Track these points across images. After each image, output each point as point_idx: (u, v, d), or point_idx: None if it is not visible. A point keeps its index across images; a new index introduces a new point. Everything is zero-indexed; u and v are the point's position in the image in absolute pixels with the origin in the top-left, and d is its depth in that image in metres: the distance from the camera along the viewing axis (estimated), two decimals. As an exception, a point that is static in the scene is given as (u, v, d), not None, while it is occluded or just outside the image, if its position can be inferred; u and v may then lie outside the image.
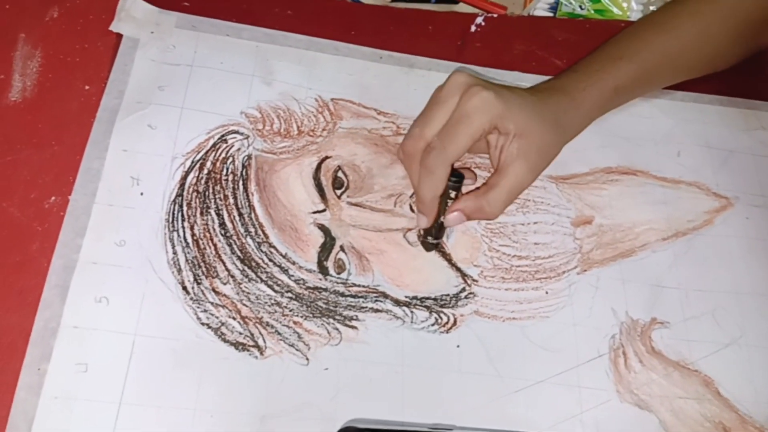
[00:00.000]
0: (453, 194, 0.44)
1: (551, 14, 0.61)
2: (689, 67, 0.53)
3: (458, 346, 0.45)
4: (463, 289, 0.47)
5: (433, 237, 0.47)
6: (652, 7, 0.62)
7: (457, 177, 0.44)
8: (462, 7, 0.60)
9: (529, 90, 0.47)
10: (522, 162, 0.43)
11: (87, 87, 0.49)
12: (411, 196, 0.49)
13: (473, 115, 0.41)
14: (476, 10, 0.59)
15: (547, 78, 0.55)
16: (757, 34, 0.52)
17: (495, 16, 0.58)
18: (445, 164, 0.42)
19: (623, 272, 0.50)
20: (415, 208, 0.48)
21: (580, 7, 0.61)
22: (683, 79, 0.54)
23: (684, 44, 0.51)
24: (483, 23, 0.58)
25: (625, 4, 0.61)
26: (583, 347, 0.47)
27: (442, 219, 0.45)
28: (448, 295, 0.47)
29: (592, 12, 0.61)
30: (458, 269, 0.48)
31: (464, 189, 0.46)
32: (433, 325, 0.46)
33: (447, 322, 0.46)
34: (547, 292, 0.48)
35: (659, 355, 0.47)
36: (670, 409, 0.45)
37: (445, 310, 0.46)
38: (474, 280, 0.47)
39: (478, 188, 0.45)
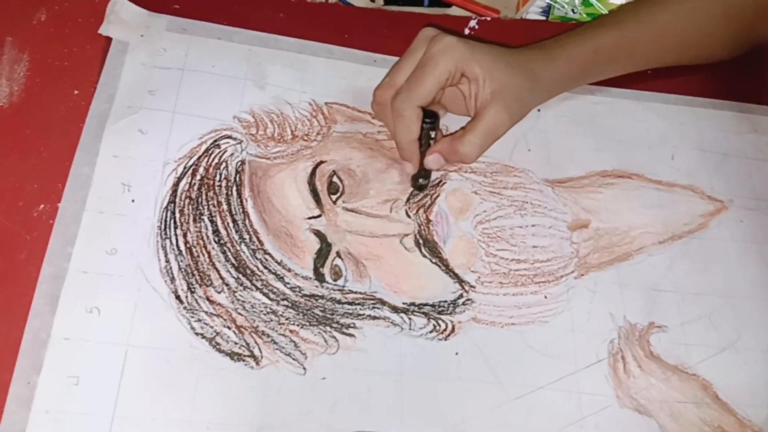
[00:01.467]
0: (433, 135, 0.46)
1: (544, 18, 0.61)
2: (674, 47, 0.53)
3: (457, 354, 0.45)
4: (461, 296, 0.47)
5: (423, 178, 0.48)
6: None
7: (431, 118, 0.45)
8: (455, 11, 0.59)
9: (515, 49, 0.48)
10: (496, 104, 0.44)
11: (76, 92, 0.48)
12: (407, 202, 0.49)
13: (437, 57, 0.43)
14: (469, 14, 0.59)
15: None
16: (751, 23, 0.52)
17: (488, 19, 0.58)
18: (412, 105, 0.44)
19: (620, 276, 0.50)
20: (398, 165, 0.49)
21: (573, 10, 0.61)
22: (670, 61, 0.54)
23: (670, 21, 0.51)
24: (476, 26, 0.57)
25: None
26: (582, 352, 0.47)
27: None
28: (445, 301, 0.46)
29: (584, 15, 0.61)
30: (455, 275, 0.47)
31: None
32: (431, 332, 0.45)
33: (445, 329, 0.45)
34: (546, 297, 0.48)
35: (657, 359, 0.47)
36: (670, 414, 0.45)
37: (443, 317, 0.46)
38: (471, 287, 0.47)
39: (456, 132, 0.46)
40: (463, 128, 0.46)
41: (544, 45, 0.49)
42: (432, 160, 0.47)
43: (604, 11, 0.61)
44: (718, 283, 0.51)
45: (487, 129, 0.45)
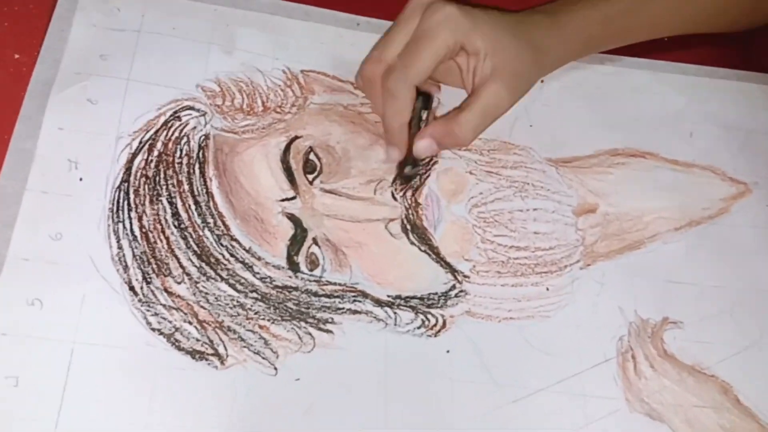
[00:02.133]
0: (424, 116, 0.46)
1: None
2: (695, 14, 0.52)
3: (448, 351, 0.45)
4: (453, 287, 0.46)
5: (411, 166, 0.47)
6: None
7: (425, 97, 0.45)
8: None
9: (516, 15, 0.47)
10: (496, 80, 0.44)
11: (17, 56, 0.47)
12: (393, 182, 0.48)
13: (435, 30, 0.43)
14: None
15: None
16: None
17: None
18: (408, 86, 0.43)
19: (631, 266, 0.50)
20: (383, 140, 0.49)
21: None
22: (689, 29, 0.53)
23: None
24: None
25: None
26: (588, 351, 0.46)
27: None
28: (436, 293, 0.46)
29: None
30: (447, 264, 0.47)
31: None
32: (419, 327, 0.45)
33: (435, 324, 0.45)
34: (548, 289, 0.48)
35: (672, 358, 0.47)
36: (685, 419, 0.45)
37: (432, 311, 0.45)
38: (465, 277, 0.47)
39: (450, 112, 0.46)
40: (457, 108, 0.45)
41: (551, 9, 0.48)
42: (423, 146, 0.45)
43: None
44: (740, 275, 0.51)
45: (485, 108, 0.44)
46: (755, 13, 0.54)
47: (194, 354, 0.41)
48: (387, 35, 0.45)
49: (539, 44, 0.46)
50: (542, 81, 0.54)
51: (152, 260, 0.43)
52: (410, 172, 0.47)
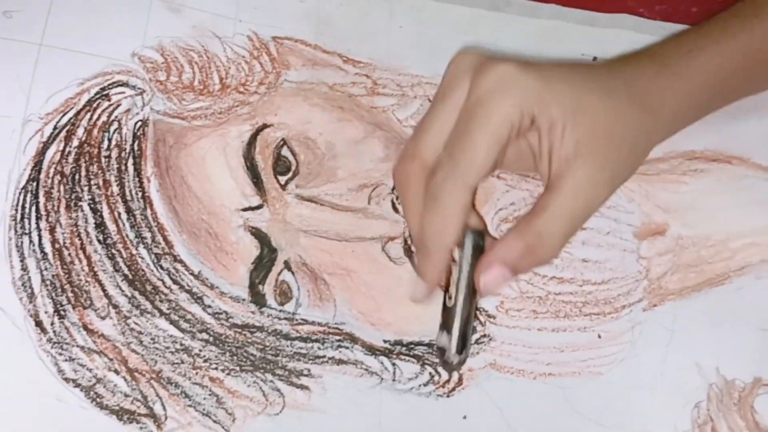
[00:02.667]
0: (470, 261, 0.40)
1: None
2: None
3: (465, 417, 0.45)
4: (474, 330, 0.47)
5: (459, 347, 0.40)
6: None
7: (477, 232, 0.40)
8: None
9: (595, 65, 0.47)
10: (584, 163, 0.39)
11: None
12: (394, 188, 0.49)
13: (492, 102, 0.38)
14: None
15: (601, 15, 0.57)
16: None
17: None
18: (460, 187, 0.39)
19: (713, 309, 0.51)
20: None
21: None
22: None
23: None
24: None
25: None
26: (654, 421, 0.47)
27: (456, 298, 0.40)
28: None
29: None
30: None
31: None
32: (426, 384, 0.46)
33: (448, 381, 0.46)
34: (600, 336, 0.49)
35: (767, 432, 0.48)
36: None
37: (445, 362, 0.46)
38: (490, 317, 0.48)
39: (517, 223, 0.41)
40: (529, 213, 0.40)
41: (657, 53, 0.47)
42: (493, 278, 0.39)
43: None
44: None
45: (573, 206, 0.40)
46: None
47: (121, 414, 0.42)
48: (426, 117, 0.41)
49: (646, 101, 0.43)
50: (595, 58, 0.56)
51: (67, 286, 0.44)
52: (459, 358, 0.40)
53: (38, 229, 0.45)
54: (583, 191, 0.39)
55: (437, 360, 0.46)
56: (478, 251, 0.39)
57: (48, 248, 0.44)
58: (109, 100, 0.48)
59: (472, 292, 0.40)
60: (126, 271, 0.45)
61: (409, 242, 0.48)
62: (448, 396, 0.46)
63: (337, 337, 0.46)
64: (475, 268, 0.39)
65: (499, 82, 0.38)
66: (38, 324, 0.43)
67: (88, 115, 0.48)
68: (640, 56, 0.46)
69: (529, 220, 0.39)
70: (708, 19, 0.50)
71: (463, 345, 0.39)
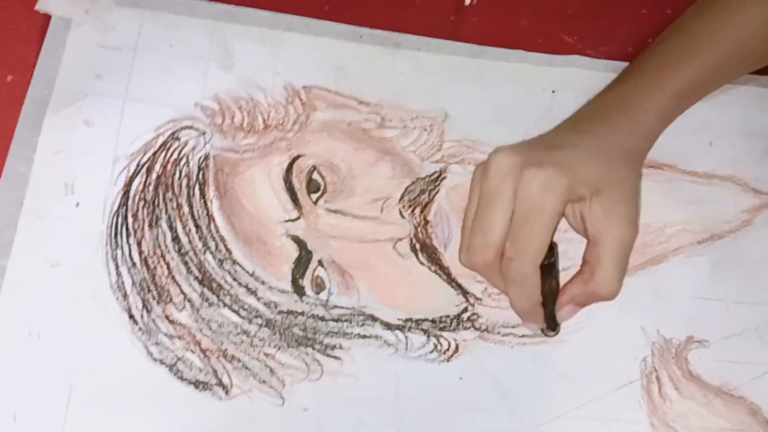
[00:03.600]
0: (555, 268, 0.42)
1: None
2: (757, 58, 0.51)
3: (461, 378, 0.45)
4: (465, 309, 0.47)
5: (551, 330, 0.43)
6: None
7: (549, 252, 0.41)
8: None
9: (579, 124, 0.46)
10: (614, 220, 0.41)
11: (9, 77, 0.48)
12: (400, 200, 0.49)
13: (542, 204, 0.39)
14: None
15: (557, 57, 0.56)
16: None
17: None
18: (532, 271, 0.40)
19: (653, 282, 0.50)
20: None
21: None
22: (750, 71, 0.52)
23: (751, 31, 0.49)
24: (476, -4, 0.58)
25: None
26: (609, 373, 0.47)
27: (552, 307, 0.43)
28: (448, 316, 0.46)
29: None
30: (459, 286, 0.47)
31: None
32: (431, 352, 0.45)
33: (448, 349, 0.45)
34: (565, 310, 0.48)
35: (698, 380, 0.47)
36: (713, 444, 0.45)
37: (444, 334, 0.46)
38: (477, 299, 0.47)
39: (579, 271, 0.42)
40: (585, 264, 0.42)
41: (622, 104, 0.46)
42: (567, 313, 0.42)
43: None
44: (766, 290, 0.51)
45: (617, 255, 0.41)
46: None
47: (197, 384, 0.42)
48: (483, 216, 0.41)
49: (632, 153, 0.44)
50: (553, 91, 0.55)
51: (152, 287, 0.43)
52: (554, 330, 0.44)
53: (128, 243, 0.44)
54: (620, 240, 0.40)
55: (442, 332, 0.46)
56: (551, 266, 0.41)
57: (136, 258, 0.44)
58: (178, 141, 0.48)
59: (553, 291, 0.42)
60: (197, 273, 0.44)
61: (414, 241, 0.48)
62: (447, 361, 0.45)
63: (361, 317, 0.45)
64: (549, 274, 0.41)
65: (545, 186, 0.39)
66: (131, 317, 0.43)
67: (163, 153, 0.47)
68: (613, 111, 0.46)
69: (588, 271, 0.41)
70: (646, 59, 0.49)
71: (555, 325, 0.43)
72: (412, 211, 0.49)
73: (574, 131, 0.45)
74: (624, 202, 0.42)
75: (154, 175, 0.46)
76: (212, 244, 0.45)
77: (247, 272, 0.45)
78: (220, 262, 0.45)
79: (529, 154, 0.40)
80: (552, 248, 0.41)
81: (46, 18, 0.49)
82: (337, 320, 0.45)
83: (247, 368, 0.43)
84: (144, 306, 0.43)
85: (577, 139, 0.43)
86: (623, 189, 0.42)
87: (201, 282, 0.44)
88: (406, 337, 0.45)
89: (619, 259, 0.41)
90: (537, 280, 0.40)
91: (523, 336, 0.47)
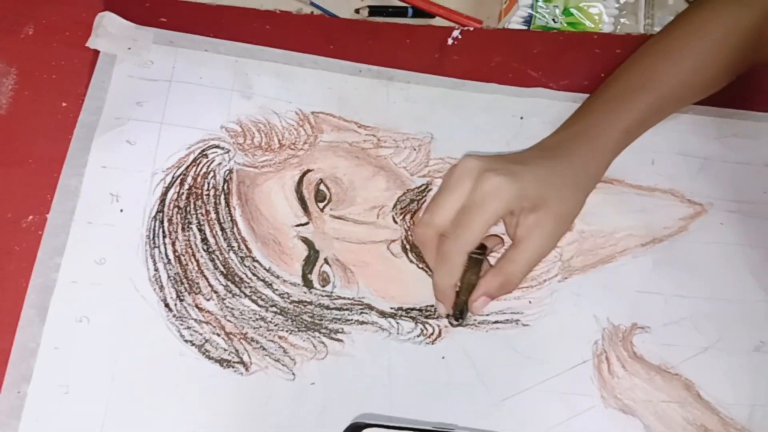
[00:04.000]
0: (480, 267, 0.44)
1: (525, 27, 0.62)
2: (697, 90, 0.53)
3: (443, 357, 0.46)
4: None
5: (455, 319, 0.45)
6: (623, 20, 0.64)
7: (479, 249, 0.43)
8: (438, 21, 0.61)
9: (545, 149, 0.47)
10: (539, 233, 0.43)
11: (64, 104, 0.48)
12: (393, 208, 0.50)
13: (487, 203, 0.41)
14: (452, 24, 0.60)
15: (524, 89, 0.57)
16: (755, 48, 0.52)
17: (471, 29, 0.60)
18: (460, 254, 0.42)
19: (604, 279, 0.51)
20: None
21: (553, 20, 0.63)
22: (691, 102, 0.54)
23: (691, 68, 0.51)
24: (460, 36, 0.59)
25: (596, 17, 0.63)
26: (567, 354, 0.48)
27: (464, 299, 0.44)
28: (432, 306, 0.47)
29: (565, 25, 0.63)
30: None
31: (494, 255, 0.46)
32: (418, 336, 0.46)
33: (432, 333, 0.46)
34: (530, 302, 0.49)
35: (641, 359, 0.48)
36: (654, 413, 0.47)
37: (430, 321, 0.47)
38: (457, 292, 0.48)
39: (495, 265, 0.44)
40: (503, 259, 0.44)
41: (585, 133, 0.47)
42: (478, 305, 0.44)
43: (584, 20, 0.63)
44: (699, 285, 0.52)
45: (529, 259, 0.43)
46: (735, 72, 0.53)
47: (222, 362, 0.43)
48: (438, 200, 0.43)
49: (583, 177, 0.46)
50: (522, 117, 0.56)
51: (184, 280, 0.44)
52: (455, 323, 0.46)
53: (164, 243, 0.45)
54: (536, 249, 0.43)
55: (428, 319, 0.47)
56: (478, 261, 0.43)
57: (171, 255, 0.45)
58: (206, 158, 0.49)
59: (471, 285, 0.44)
60: (222, 269, 0.45)
61: (404, 243, 0.49)
62: (432, 344, 0.46)
63: (360, 307, 0.46)
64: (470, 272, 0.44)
65: (494, 190, 0.41)
66: (166, 305, 0.43)
67: (194, 168, 0.48)
68: (576, 139, 0.47)
69: (502, 264, 0.43)
70: (605, 93, 0.51)
71: (461, 315, 0.45)
72: (404, 217, 0.50)
73: (538, 155, 0.46)
74: (554, 222, 0.43)
75: (186, 186, 0.47)
76: (235, 245, 0.46)
77: (265, 268, 0.46)
78: (242, 259, 0.46)
79: (492, 163, 0.42)
80: (484, 248, 0.43)
81: (95, 54, 0.50)
82: (339, 309, 0.46)
83: (264, 349, 0.43)
84: (177, 296, 0.44)
85: (538, 160, 0.45)
86: (559, 211, 0.44)
87: (225, 276, 0.45)
88: (397, 323, 0.46)
89: (529, 262, 0.43)
90: (460, 264, 0.42)
91: (495, 322, 0.48)
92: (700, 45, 0.51)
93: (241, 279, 0.45)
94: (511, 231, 0.45)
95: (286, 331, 0.44)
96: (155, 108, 0.49)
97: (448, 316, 0.46)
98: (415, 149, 0.53)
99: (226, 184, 0.48)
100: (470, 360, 0.46)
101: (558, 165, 0.45)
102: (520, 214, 0.43)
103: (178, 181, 0.47)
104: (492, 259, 0.46)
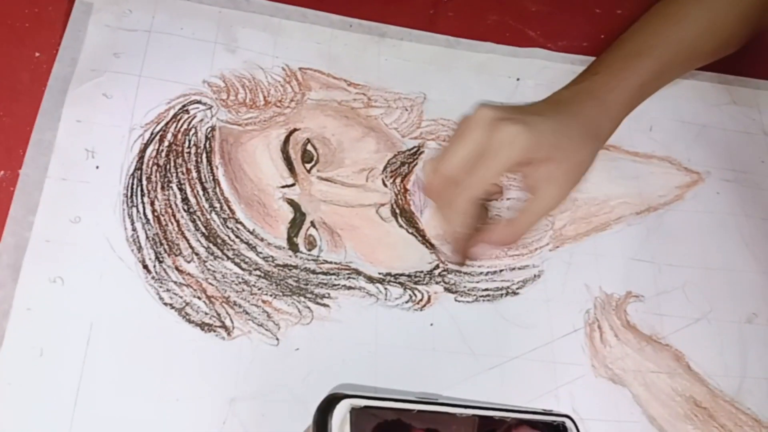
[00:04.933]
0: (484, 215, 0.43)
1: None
2: (703, 55, 0.52)
3: (432, 324, 0.45)
4: (437, 266, 0.46)
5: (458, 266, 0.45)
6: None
7: (483, 207, 0.43)
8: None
9: (557, 103, 0.46)
10: (550, 185, 0.42)
11: (37, 54, 0.46)
12: (383, 170, 0.48)
13: (501, 151, 0.40)
14: (448, -21, 0.58)
15: (521, 49, 0.56)
16: (762, 15, 0.52)
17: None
18: (472, 202, 0.41)
19: (597, 247, 0.50)
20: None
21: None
22: (698, 66, 0.54)
23: (697, 33, 0.50)
24: (455, -9, 0.57)
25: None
26: (558, 323, 0.47)
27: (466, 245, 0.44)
28: (422, 271, 0.46)
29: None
30: (432, 246, 0.47)
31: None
32: (407, 302, 0.45)
33: (421, 300, 0.45)
34: (520, 269, 0.48)
35: (633, 329, 0.48)
36: (643, 383, 0.46)
37: (419, 287, 0.46)
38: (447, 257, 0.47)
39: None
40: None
41: (595, 92, 0.46)
42: (479, 251, 0.44)
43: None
44: (692, 255, 0.51)
45: (540, 210, 0.43)
46: (747, 36, 0.53)
47: (203, 326, 0.41)
48: (451, 147, 0.41)
49: (594, 133, 0.45)
50: (518, 79, 0.54)
51: (164, 241, 0.43)
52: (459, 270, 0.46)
53: (143, 202, 0.43)
54: (545, 201, 0.42)
55: (417, 285, 0.46)
56: (483, 208, 0.44)
57: (150, 215, 0.43)
58: (188, 113, 0.47)
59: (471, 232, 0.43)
60: (203, 230, 0.44)
61: (394, 207, 0.47)
62: (420, 310, 0.45)
63: (347, 271, 0.45)
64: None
65: (509, 138, 0.40)
66: (145, 267, 0.42)
67: (174, 124, 0.46)
68: (586, 96, 0.46)
69: (517, 217, 0.42)
70: (612, 54, 0.50)
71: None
72: (394, 180, 0.48)
73: (552, 108, 0.45)
74: (566, 174, 0.43)
75: (166, 143, 0.45)
76: (217, 205, 0.44)
77: (248, 230, 0.44)
78: (224, 220, 0.44)
79: (508, 113, 0.41)
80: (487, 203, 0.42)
81: (71, 2, 0.48)
82: (326, 273, 0.44)
83: (246, 313, 0.42)
84: (156, 257, 0.42)
85: (552, 113, 0.44)
86: (571, 164, 0.43)
87: (207, 238, 0.43)
88: (385, 289, 0.45)
89: (537, 215, 0.43)
90: (471, 211, 0.41)
91: (485, 290, 0.47)
92: (701, 12, 0.50)
93: (223, 241, 0.43)
94: (522, 183, 0.44)
95: (270, 296, 0.43)
96: (133, 60, 0.47)
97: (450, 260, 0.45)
98: (407, 110, 0.51)
99: (208, 142, 0.46)
100: (458, 327, 0.45)
101: (571, 119, 0.44)
102: (531, 165, 0.42)
103: (158, 137, 0.45)
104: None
